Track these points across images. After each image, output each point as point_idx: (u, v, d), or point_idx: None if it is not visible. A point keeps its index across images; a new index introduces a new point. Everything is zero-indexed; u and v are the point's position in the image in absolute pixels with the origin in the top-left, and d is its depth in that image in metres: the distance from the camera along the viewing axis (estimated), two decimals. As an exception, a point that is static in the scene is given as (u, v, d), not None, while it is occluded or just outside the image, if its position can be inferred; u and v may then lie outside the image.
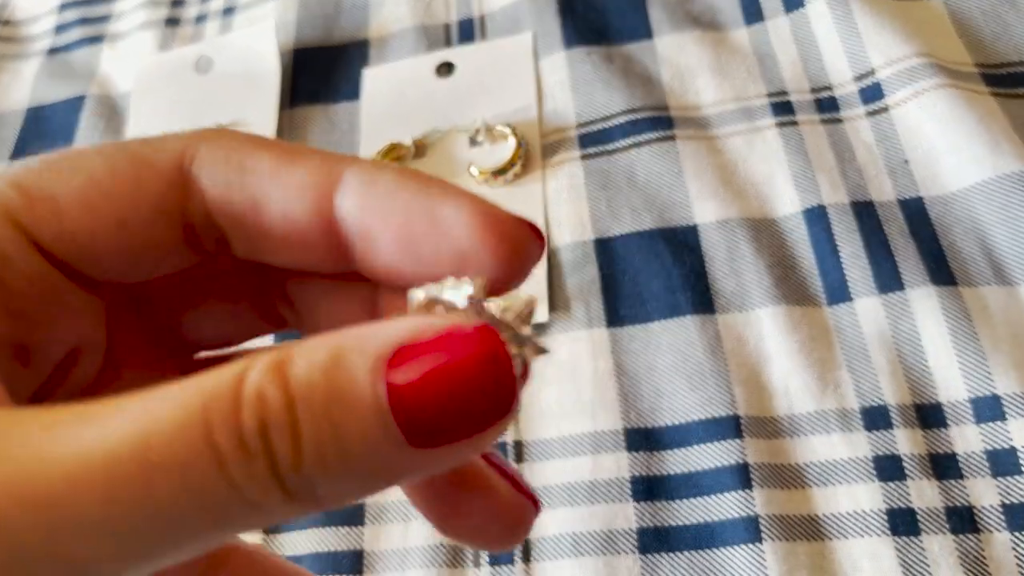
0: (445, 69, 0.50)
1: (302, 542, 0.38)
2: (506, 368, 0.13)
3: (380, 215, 0.16)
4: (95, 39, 0.58)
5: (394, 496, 0.38)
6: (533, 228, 0.16)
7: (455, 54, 0.50)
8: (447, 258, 0.16)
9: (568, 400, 0.38)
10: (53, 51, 0.59)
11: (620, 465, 0.36)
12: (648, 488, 0.36)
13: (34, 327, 0.16)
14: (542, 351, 0.14)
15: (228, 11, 0.57)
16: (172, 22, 0.58)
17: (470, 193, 0.16)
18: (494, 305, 0.14)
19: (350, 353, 0.13)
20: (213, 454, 0.12)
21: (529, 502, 0.18)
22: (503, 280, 0.16)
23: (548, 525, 0.36)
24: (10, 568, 0.12)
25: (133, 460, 0.12)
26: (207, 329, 0.20)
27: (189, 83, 0.53)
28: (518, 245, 0.15)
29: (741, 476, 0.35)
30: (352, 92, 0.51)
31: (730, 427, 0.36)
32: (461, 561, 0.36)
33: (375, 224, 0.16)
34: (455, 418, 0.13)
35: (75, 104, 0.55)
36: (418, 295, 0.14)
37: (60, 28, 0.60)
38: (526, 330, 0.14)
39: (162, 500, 0.12)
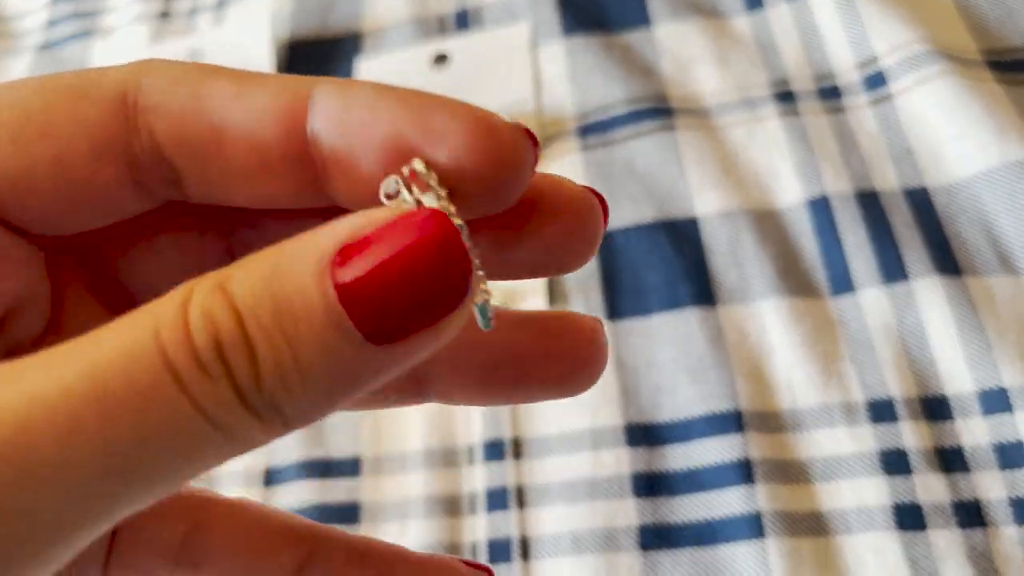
0: (441, 60, 0.49)
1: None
2: (457, 249, 0.12)
3: (361, 131, 0.14)
4: (87, 33, 0.58)
5: (390, 496, 0.37)
6: (528, 133, 0.15)
7: (451, 45, 0.50)
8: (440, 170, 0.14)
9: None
10: (45, 47, 0.58)
11: (620, 461, 0.36)
12: (649, 484, 0.35)
13: None
14: None
15: (221, 3, 0.57)
16: (164, 15, 0.57)
17: (458, 100, 0.14)
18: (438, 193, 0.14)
19: (291, 260, 0.12)
20: (173, 378, 0.12)
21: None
22: (500, 184, 0.14)
23: (547, 523, 0.35)
24: None
25: (89, 394, 0.11)
26: (161, 283, 0.17)
27: (182, 77, 0.52)
28: (515, 149, 0.14)
29: (743, 472, 0.34)
30: (347, 84, 0.50)
31: (732, 422, 0.35)
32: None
33: (356, 141, 0.14)
34: (413, 307, 0.12)
35: (67, 99, 0.54)
36: (388, 185, 0.14)
37: (52, 23, 0.59)
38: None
39: (124, 434, 0.11)
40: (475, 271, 0.13)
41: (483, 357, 0.17)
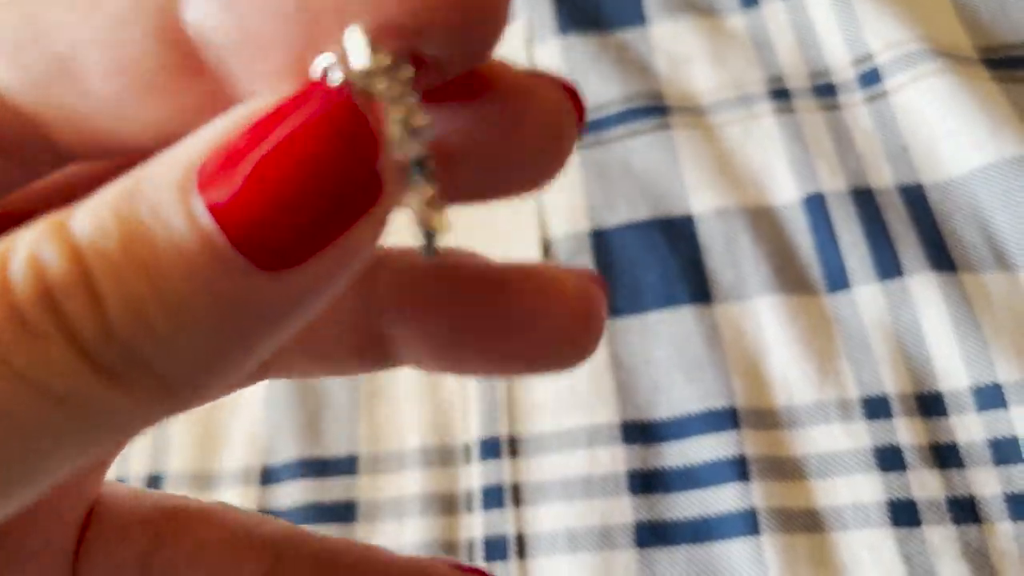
0: (437, 59, 0.49)
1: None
2: (362, 129, 0.09)
3: (260, 5, 0.10)
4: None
5: (386, 495, 0.37)
6: None
7: (447, 44, 0.50)
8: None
9: (563, 393, 0.38)
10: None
11: (616, 459, 0.36)
12: (645, 482, 0.35)
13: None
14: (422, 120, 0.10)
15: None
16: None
17: None
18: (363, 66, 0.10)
19: (148, 179, 0.09)
20: None
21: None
22: (473, 27, 0.10)
23: (543, 520, 0.35)
24: None
25: None
26: None
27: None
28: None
29: (739, 469, 0.34)
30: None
31: (728, 419, 0.35)
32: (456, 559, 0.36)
33: (256, 24, 0.10)
34: (308, 216, 0.09)
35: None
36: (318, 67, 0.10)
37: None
38: (407, 93, 0.10)
39: None
40: (414, 172, 0.10)
41: (450, 316, 0.14)
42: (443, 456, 0.38)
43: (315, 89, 0.09)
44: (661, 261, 0.40)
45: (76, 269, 0.09)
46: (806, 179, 0.40)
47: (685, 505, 0.35)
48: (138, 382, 0.09)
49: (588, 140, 0.44)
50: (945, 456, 0.33)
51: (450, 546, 0.36)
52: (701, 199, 0.41)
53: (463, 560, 0.35)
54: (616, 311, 0.39)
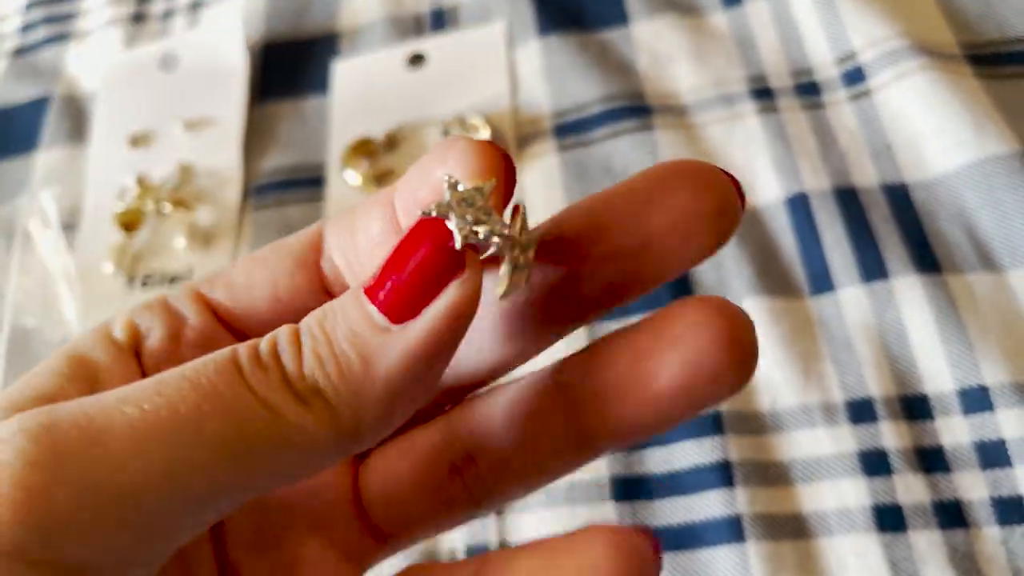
0: (417, 61, 0.49)
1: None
2: (442, 241, 0.15)
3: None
4: (61, 38, 0.57)
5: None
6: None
7: (426, 45, 0.49)
8: None
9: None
10: (19, 52, 0.57)
11: (599, 464, 0.35)
12: (628, 488, 0.35)
13: None
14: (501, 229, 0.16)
15: (195, 5, 0.56)
16: (138, 18, 0.56)
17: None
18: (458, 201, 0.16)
19: (337, 300, 0.16)
20: (235, 368, 0.15)
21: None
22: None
23: (525, 528, 0.35)
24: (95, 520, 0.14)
25: (185, 401, 0.15)
26: None
27: (155, 81, 0.52)
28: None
29: (723, 474, 0.34)
30: (322, 85, 0.50)
31: (711, 423, 0.35)
32: None
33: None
34: (417, 287, 0.15)
35: (41, 105, 0.54)
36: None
37: (26, 28, 0.58)
38: (479, 207, 0.15)
39: (200, 419, 0.14)
40: (495, 245, 0.15)
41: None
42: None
43: (421, 223, 0.15)
44: (644, 264, 0.39)
45: (294, 335, 0.16)
46: (789, 179, 0.40)
47: (669, 512, 0.34)
48: (317, 407, 0.15)
49: (569, 141, 0.44)
50: (931, 460, 0.33)
51: (431, 554, 0.35)
52: (684, 200, 0.40)
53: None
54: (598, 315, 0.39)
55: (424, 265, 0.15)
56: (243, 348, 0.15)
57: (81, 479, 0.13)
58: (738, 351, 0.16)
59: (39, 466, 0.13)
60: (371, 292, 0.15)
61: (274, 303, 0.19)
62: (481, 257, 0.16)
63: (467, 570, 0.17)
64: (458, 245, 0.15)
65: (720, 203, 0.16)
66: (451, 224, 0.15)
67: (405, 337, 0.15)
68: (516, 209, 0.17)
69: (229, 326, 0.19)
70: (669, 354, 0.16)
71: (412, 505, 0.19)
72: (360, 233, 0.18)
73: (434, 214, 0.15)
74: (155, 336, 0.19)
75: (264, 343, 0.16)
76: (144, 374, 0.18)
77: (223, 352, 0.15)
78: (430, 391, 0.16)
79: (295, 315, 0.18)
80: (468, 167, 0.16)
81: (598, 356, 0.17)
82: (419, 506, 0.19)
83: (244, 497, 0.15)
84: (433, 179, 0.16)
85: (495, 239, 0.15)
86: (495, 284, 0.17)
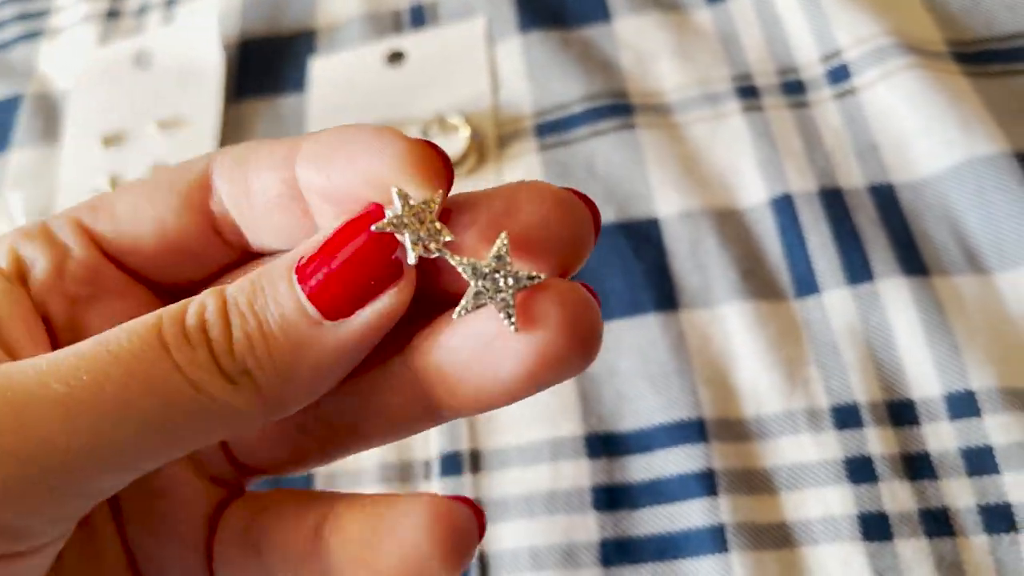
0: (396, 58, 0.48)
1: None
2: (387, 245, 0.16)
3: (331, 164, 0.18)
4: (34, 35, 0.56)
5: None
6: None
7: (406, 42, 0.48)
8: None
9: (526, 405, 0.37)
10: (-10, 48, 0.56)
11: (580, 473, 0.35)
12: (610, 497, 0.34)
13: (86, 308, 0.19)
14: (440, 237, 0.16)
15: (170, 2, 0.55)
16: (113, 15, 0.55)
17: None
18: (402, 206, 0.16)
19: (271, 267, 0.16)
20: (161, 345, 0.15)
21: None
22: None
23: (505, 538, 0.34)
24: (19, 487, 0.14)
25: (111, 379, 0.15)
26: None
27: (129, 79, 0.50)
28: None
29: (707, 483, 0.33)
30: (299, 84, 0.49)
31: (695, 431, 0.34)
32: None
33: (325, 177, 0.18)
34: (355, 289, 0.16)
35: (13, 104, 0.53)
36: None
37: (-3, 24, 0.57)
38: (429, 223, 0.16)
39: (127, 397, 0.15)
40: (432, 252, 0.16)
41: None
42: (402, 472, 0.37)
43: (361, 220, 0.16)
44: (626, 266, 0.39)
45: (222, 315, 0.16)
46: (774, 179, 0.39)
47: (651, 521, 0.33)
48: (244, 386, 0.16)
49: (551, 140, 0.43)
50: (917, 467, 0.32)
51: None
52: (667, 201, 0.40)
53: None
54: (580, 318, 0.38)
55: (366, 271, 0.16)
56: (168, 321, 0.16)
57: (6, 452, 0.14)
58: (581, 336, 0.16)
59: None
60: (304, 275, 0.16)
61: (160, 240, 0.19)
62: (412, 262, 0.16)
63: (314, 515, 0.18)
64: (411, 261, 0.16)
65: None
66: (405, 241, 0.16)
67: (337, 334, 0.16)
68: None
69: (113, 259, 0.19)
70: (514, 342, 0.16)
71: (266, 453, 0.20)
72: (255, 188, 0.18)
73: (388, 230, 0.16)
74: (39, 268, 0.19)
75: (191, 316, 0.16)
76: (34, 305, 0.19)
77: (146, 322, 0.16)
78: (347, 372, 0.17)
79: (182, 254, 0.19)
80: (413, 172, 0.16)
81: (446, 340, 0.17)
82: (272, 453, 0.20)
83: (167, 460, 0.16)
84: (370, 176, 0.16)
85: (446, 256, 0.16)
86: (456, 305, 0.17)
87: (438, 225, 0.16)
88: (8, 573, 0.15)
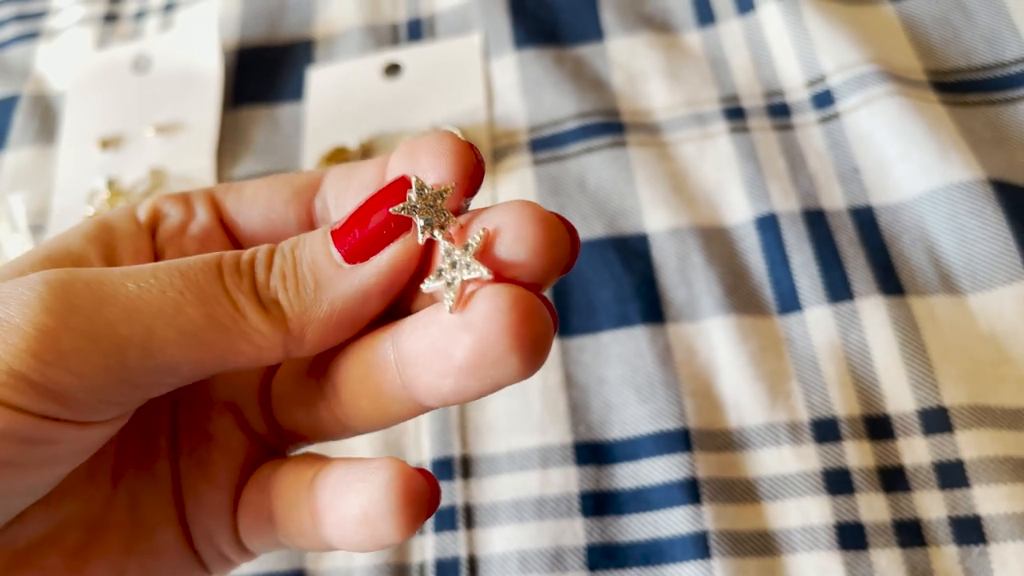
0: (393, 70, 0.49)
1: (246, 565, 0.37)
2: (398, 219, 0.19)
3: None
4: (31, 35, 0.56)
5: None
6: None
7: (403, 55, 0.49)
8: None
9: (516, 413, 0.38)
10: (-14, 47, 0.56)
11: (569, 480, 0.36)
12: (597, 503, 0.35)
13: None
14: (445, 217, 0.19)
15: (169, 7, 0.55)
16: (111, 18, 0.56)
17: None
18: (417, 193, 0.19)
19: (310, 234, 0.20)
20: (217, 270, 0.19)
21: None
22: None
23: (495, 542, 0.35)
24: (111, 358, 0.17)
25: (173, 286, 0.18)
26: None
27: (127, 83, 0.51)
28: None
29: (690, 491, 0.34)
30: (297, 92, 0.50)
31: (680, 440, 0.35)
32: (406, 581, 0.35)
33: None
34: (370, 241, 0.19)
35: (8, 104, 0.53)
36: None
37: (-7, 23, 0.57)
38: (438, 205, 0.19)
39: (181, 303, 0.18)
40: (442, 247, 0.18)
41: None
42: (394, 476, 0.37)
43: (386, 193, 0.19)
44: (615, 279, 0.40)
45: (270, 253, 0.20)
46: (759, 199, 0.40)
47: (637, 527, 0.35)
48: (273, 314, 0.19)
49: (544, 155, 0.44)
50: (892, 479, 0.34)
51: (401, 568, 0.36)
52: (655, 217, 0.41)
53: (413, 583, 0.35)
54: (570, 329, 0.39)
55: (380, 226, 0.19)
56: (228, 255, 0.19)
57: (83, 329, 0.17)
58: (524, 340, 0.17)
59: (53, 312, 0.17)
60: (336, 234, 0.19)
61: (266, 222, 0.23)
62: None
63: (312, 470, 0.21)
64: (420, 242, 0.19)
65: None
66: (417, 223, 0.19)
67: (351, 276, 0.19)
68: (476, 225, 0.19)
69: (227, 229, 0.24)
70: (464, 336, 0.18)
71: (300, 416, 0.23)
72: (355, 181, 0.22)
73: (403, 213, 0.19)
74: (169, 222, 0.23)
75: (246, 254, 0.19)
76: (154, 250, 0.23)
77: (212, 254, 0.19)
78: (352, 331, 0.20)
79: (280, 237, 0.23)
80: (443, 165, 0.19)
81: (421, 323, 0.19)
82: (301, 417, 0.23)
83: (201, 372, 0.19)
84: (413, 165, 0.20)
85: (438, 239, 0.19)
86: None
87: (447, 212, 0.19)
88: (58, 437, 0.18)
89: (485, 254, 0.18)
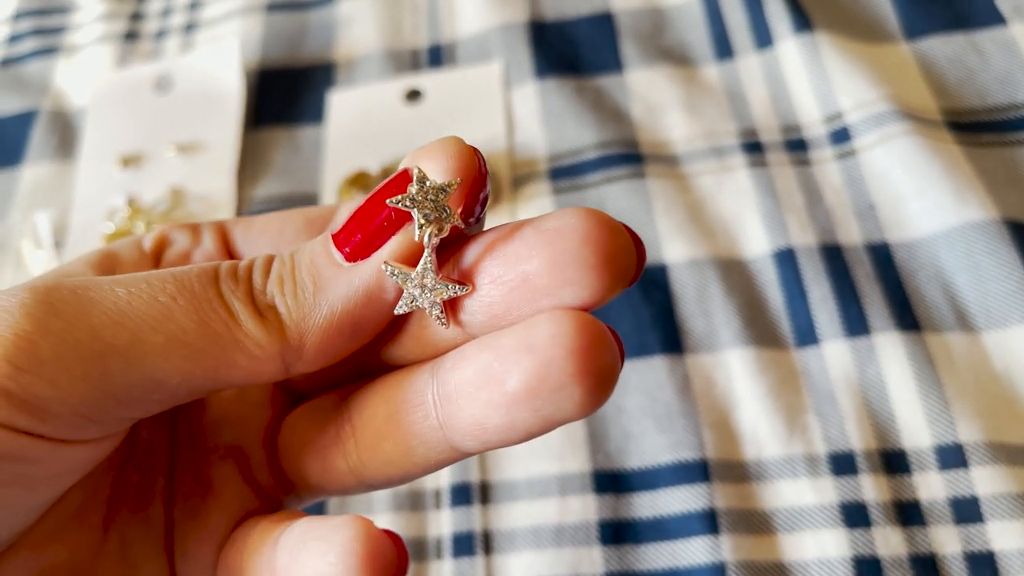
0: (414, 96, 0.49)
1: None
2: (386, 215, 0.17)
3: None
4: (50, 51, 0.57)
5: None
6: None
7: (424, 80, 0.50)
8: None
9: (535, 440, 0.38)
10: (5, 62, 0.57)
11: (587, 508, 0.36)
12: (615, 532, 0.36)
13: None
14: (447, 215, 0.17)
15: (190, 27, 0.56)
16: (131, 37, 0.56)
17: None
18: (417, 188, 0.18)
19: (311, 240, 0.19)
20: (213, 276, 0.18)
21: None
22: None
23: (513, 570, 0.35)
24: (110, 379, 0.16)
25: (165, 291, 0.17)
26: None
27: (148, 102, 0.51)
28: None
29: (709, 521, 0.35)
30: (317, 115, 0.50)
31: (698, 471, 0.36)
32: (425, 606, 0.35)
33: None
34: (366, 240, 0.18)
35: (27, 119, 0.53)
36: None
37: (14, 39, 0.58)
38: (441, 202, 0.17)
39: (172, 308, 0.17)
40: (427, 262, 0.17)
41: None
42: (413, 501, 0.38)
43: (384, 191, 0.18)
44: (635, 309, 0.40)
45: (268, 259, 0.19)
46: (777, 233, 0.41)
47: (655, 557, 0.35)
48: (270, 321, 0.18)
49: (563, 184, 0.45)
50: (908, 514, 0.34)
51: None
52: (674, 249, 0.42)
53: (432, 609, 0.35)
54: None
55: (380, 220, 0.18)
56: (226, 262, 0.18)
57: (63, 335, 0.16)
58: (592, 368, 0.15)
59: (33, 317, 0.16)
60: (337, 235, 0.18)
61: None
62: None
63: (279, 528, 0.19)
64: (416, 236, 0.17)
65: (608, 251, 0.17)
66: (415, 217, 0.17)
67: (350, 275, 0.18)
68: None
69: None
70: (523, 358, 0.16)
71: (302, 461, 0.21)
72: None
73: (401, 206, 0.17)
74: (175, 249, 0.23)
75: (244, 261, 0.19)
76: None
77: (210, 262, 0.18)
78: (356, 341, 0.18)
79: None
80: (443, 164, 0.18)
81: (463, 357, 0.18)
82: (306, 462, 0.21)
83: (191, 388, 0.17)
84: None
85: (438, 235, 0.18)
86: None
87: (449, 209, 0.17)
88: (33, 454, 0.16)
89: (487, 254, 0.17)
